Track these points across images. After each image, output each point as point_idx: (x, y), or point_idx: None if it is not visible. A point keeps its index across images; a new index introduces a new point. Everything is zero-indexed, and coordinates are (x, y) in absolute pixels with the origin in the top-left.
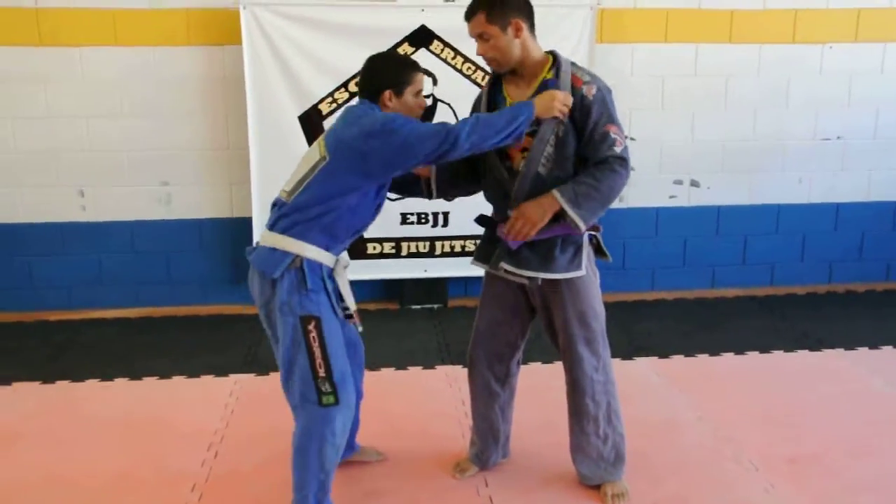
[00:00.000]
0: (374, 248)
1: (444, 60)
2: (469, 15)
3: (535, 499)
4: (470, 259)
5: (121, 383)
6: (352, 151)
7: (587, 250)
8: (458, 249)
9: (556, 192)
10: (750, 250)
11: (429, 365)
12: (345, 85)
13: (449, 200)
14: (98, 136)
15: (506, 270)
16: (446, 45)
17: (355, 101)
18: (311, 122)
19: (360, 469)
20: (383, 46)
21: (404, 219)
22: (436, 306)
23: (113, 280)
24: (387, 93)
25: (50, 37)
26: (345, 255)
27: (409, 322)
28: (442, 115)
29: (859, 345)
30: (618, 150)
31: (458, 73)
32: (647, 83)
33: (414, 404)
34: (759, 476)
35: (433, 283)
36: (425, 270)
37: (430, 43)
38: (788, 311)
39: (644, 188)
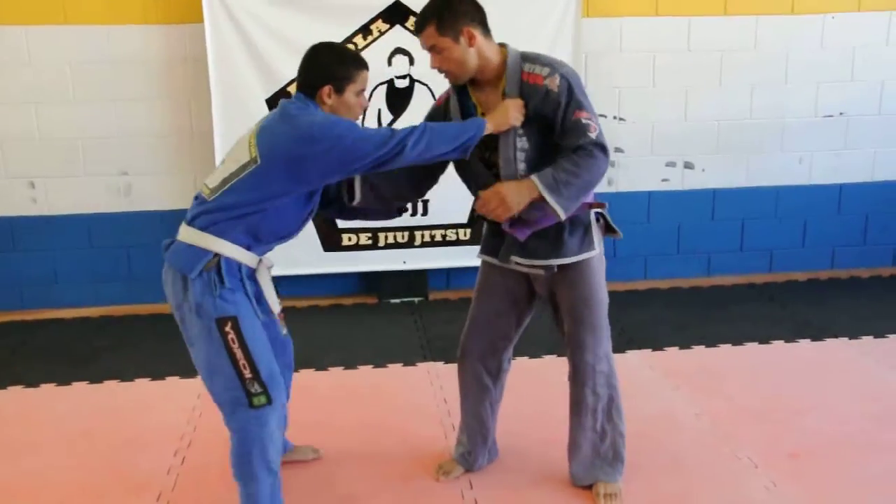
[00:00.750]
0: (350, 239)
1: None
2: (419, 28)
3: (523, 500)
4: (449, 248)
5: (79, 387)
6: (286, 157)
7: (596, 230)
8: (438, 239)
9: (534, 178)
10: (748, 235)
11: (409, 361)
12: None
13: (370, 208)
14: (48, 122)
15: (517, 263)
16: None
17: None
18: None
19: (335, 471)
20: (356, 23)
21: None
22: (416, 300)
23: (69, 278)
24: (326, 88)
25: None
26: (268, 256)
27: (387, 317)
28: (420, 97)
29: (864, 333)
30: (592, 135)
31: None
32: (637, 59)
33: (393, 403)
34: (760, 473)
35: (413, 276)
36: (404, 262)
37: (406, 19)
38: (789, 299)
39: (635, 171)
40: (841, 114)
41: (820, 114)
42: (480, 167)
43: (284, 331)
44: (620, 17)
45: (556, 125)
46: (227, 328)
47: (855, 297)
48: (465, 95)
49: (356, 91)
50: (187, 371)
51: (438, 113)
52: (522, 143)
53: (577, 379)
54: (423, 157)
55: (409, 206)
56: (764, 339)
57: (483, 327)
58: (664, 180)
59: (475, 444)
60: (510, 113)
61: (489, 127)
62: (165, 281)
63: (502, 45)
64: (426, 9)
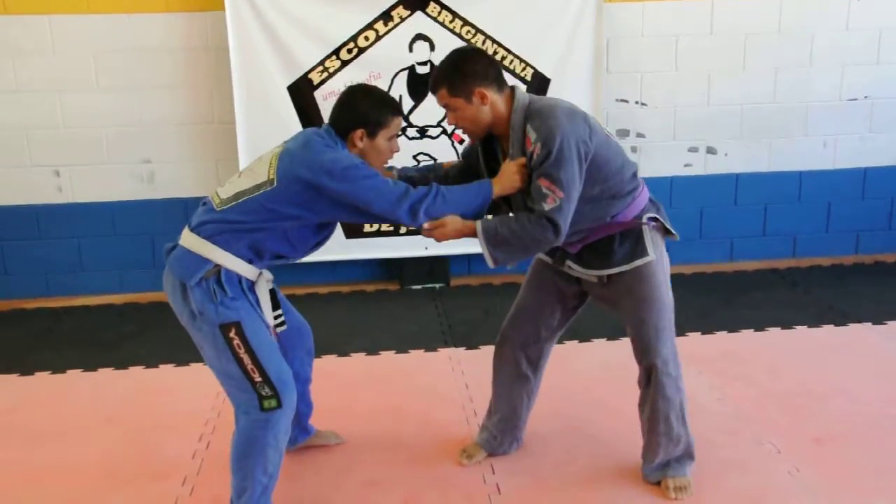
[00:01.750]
0: (372, 225)
1: (442, 24)
2: (432, 89)
3: (545, 487)
4: None
5: (105, 373)
6: (304, 185)
7: (650, 236)
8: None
9: (478, 225)
10: (771, 220)
11: (431, 347)
12: (336, 53)
13: None
14: (72, 111)
15: (570, 268)
16: (444, 7)
17: (322, 127)
18: (300, 92)
19: (358, 457)
20: (377, 10)
21: None
22: (438, 286)
23: (94, 265)
24: (359, 132)
25: (15, 4)
26: (267, 272)
27: (409, 303)
28: None
29: (888, 318)
30: (546, 206)
31: (457, 38)
32: (660, 43)
33: (415, 389)
34: (783, 458)
35: (435, 262)
36: (426, 248)
37: (427, 5)
38: (812, 284)
39: (657, 156)
40: (866, 97)
41: (844, 97)
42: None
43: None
44: (643, 2)
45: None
46: (232, 334)
47: (879, 282)
48: (491, 143)
49: (388, 136)
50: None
51: (474, 151)
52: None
53: (648, 383)
54: (441, 213)
55: None
56: (787, 325)
57: (528, 317)
58: (686, 165)
59: (503, 430)
60: (515, 179)
61: (496, 192)
62: (165, 285)
63: (513, 93)
64: (438, 72)
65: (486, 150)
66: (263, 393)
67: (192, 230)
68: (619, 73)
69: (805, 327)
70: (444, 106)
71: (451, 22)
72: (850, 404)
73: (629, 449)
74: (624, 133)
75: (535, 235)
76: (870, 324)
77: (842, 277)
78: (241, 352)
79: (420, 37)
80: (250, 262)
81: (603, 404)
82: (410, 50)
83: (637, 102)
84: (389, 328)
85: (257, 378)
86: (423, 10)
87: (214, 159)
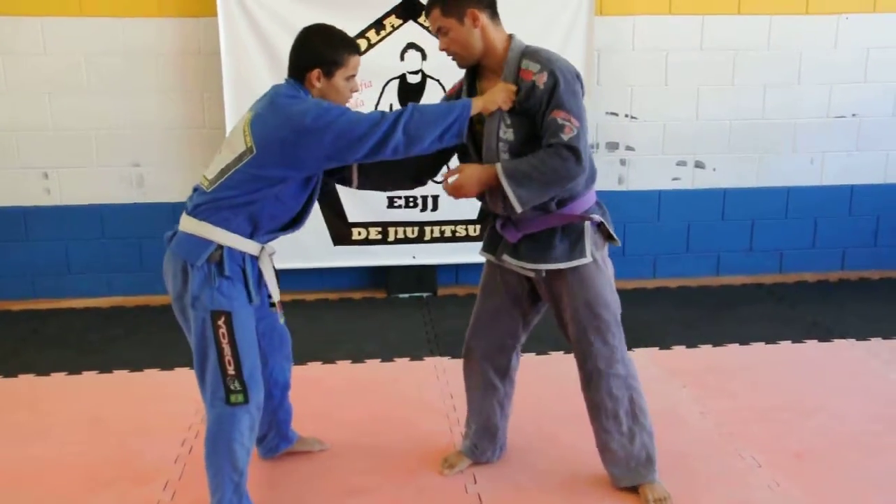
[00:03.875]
0: (360, 233)
1: (433, 33)
2: (427, 10)
3: (526, 497)
4: (458, 244)
5: (89, 377)
6: (281, 145)
7: (592, 237)
8: (447, 235)
9: (498, 165)
10: (758, 235)
11: (416, 356)
12: None
13: (371, 189)
14: (62, 113)
15: (509, 263)
16: None
17: (284, 80)
18: None
19: (340, 464)
20: (369, 18)
21: (391, 202)
22: (424, 295)
23: (81, 268)
24: (315, 72)
25: (8, 5)
26: (272, 244)
27: (396, 311)
28: (432, 92)
29: (873, 335)
30: (564, 137)
31: None
32: (650, 58)
33: (400, 397)
34: (764, 472)
35: (422, 271)
36: (413, 257)
37: (418, 15)
38: (798, 299)
39: (646, 170)
40: (853, 115)
41: (832, 114)
42: (473, 155)
43: (282, 320)
44: (633, 16)
45: (538, 122)
46: (220, 322)
47: (865, 298)
48: (472, 87)
49: (346, 76)
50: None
51: (456, 97)
52: (508, 134)
53: (591, 385)
54: (415, 141)
55: (420, 198)
56: (771, 340)
57: (486, 325)
58: (675, 179)
59: (482, 439)
60: (499, 95)
61: (476, 107)
62: (166, 271)
63: (510, 36)
64: None
65: (471, 91)
66: (232, 387)
67: (188, 214)
68: (609, 86)
69: (789, 342)
70: (437, 30)
71: None
72: (831, 420)
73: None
74: (613, 146)
75: (555, 167)
76: (854, 340)
77: (827, 293)
78: (224, 342)
79: (412, 46)
80: (251, 235)
81: (584, 416)
82: (402, 59)
83: (627, 116)
84: (375, 336)
85: (231, 371)
86: (415, 20)
87: (204, 164)
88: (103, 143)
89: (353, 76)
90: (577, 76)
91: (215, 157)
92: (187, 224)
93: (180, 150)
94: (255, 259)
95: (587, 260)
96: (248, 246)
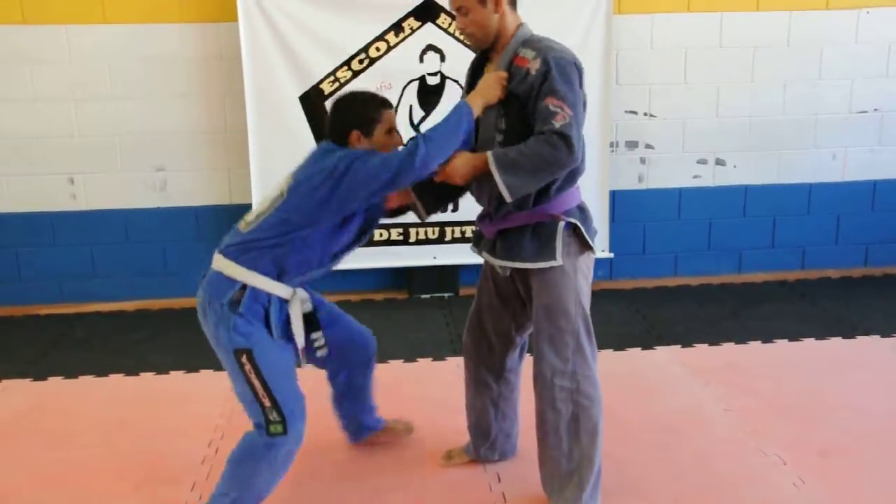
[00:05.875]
0: (381, 234)
1: (452, 35)
2: None
3: None
4: None
5: (116, 379)
6: (309, 187)
7: (564, 240)
8: (469, 235)
9: (489, 153)
10: (779, 232)
11: (439, 356)
12: (347, 63)
13: (443, 212)
14: (88, 119)
15: (485, 257)
16: (454, 18)
17: (322, 143)
18: (312, 102)
19: (366, 464)
20: (388, 21)
21: None
22: (446, 295)
23: (106, 272)
24: (354, 133)
25: (33, 14)
26: (302, 291)
27: (418, 312)
28: (451, 93)
29: None
30: (556, 124)
31: (466, 49)
32: (669, 56)
33: (423, 398)
34: (788, 470)
35: (443, 271)
36: (435, 258)
37: (437, 17)
38: (820, 296)
39: (666, 168)
40: (875, 110)
41: (854, 109)
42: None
43: (302, 364)
44: (652, 14)
45: (530, 108)
46: (244, 359)
47: (888, 295)
48: (479, 70)
49: (385, 130)
50: (221, 365)
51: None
52: (501, 123)
53: (536, 390)
54: (435, 159)
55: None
56: (795, 337)
57: (476, 323)
58: (695, 177)
59: (475, 437)
60: (493, 90)
61: (477, 107)
62: (197, 308)
63: (520, 25)
64: None
65: (475, 76)
66: (271, 418)
67: (220, 253)
68: (628, 85)
69: (813, 339)
70: (458, 9)
71: (461, 33)
72: (856, 417)
73: (632, 458)
74: (633, 145)
75: (544, 154)
76: (878, 336)
77: (850, 290)
78: (252, 377)
79: (430, 48)
80: (278, 278)
81: (608, 414)
82: (421, 61)
83: (646, 114)
84: (398, 337)
85: (266, 403)
86: (434, 22)
87: (227, 168)
88: (127, 149)
89: (393, 129)
90: (576, 65)
91: (257, 206)
92: (217, 263)
93: (203, 154)
94: (283, 302)
95: (555, 263)
96: (277, 288)
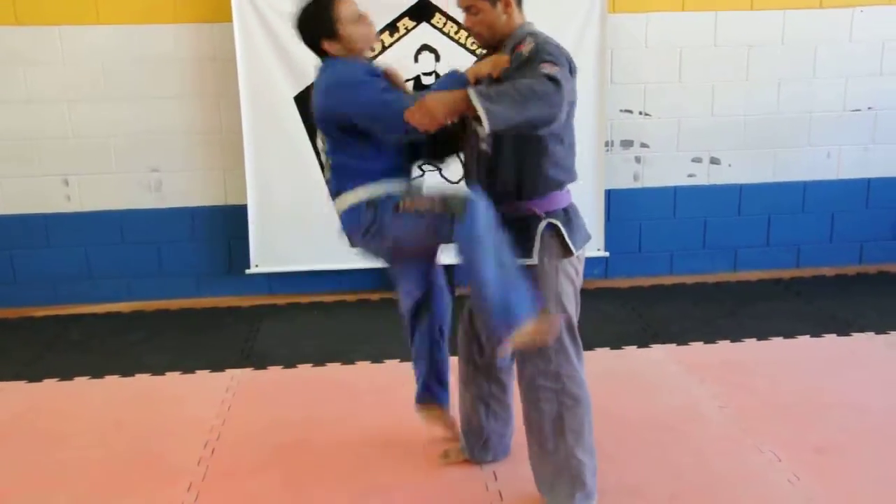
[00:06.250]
0: None
1: (447, 34)
2: None
3: None
4: None
5: (111, 381)
6: (325, 117)
7: (545, 240)
8: None
9: (469, 88)
10: (774, 230)
11: None
12: None
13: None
14: (81, 120)
15: None
16: (449, 18)
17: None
18: (307, 102)
19: (362, 463)
20: (382, 21)
21: None
22: None
23: (101, 273)
24: (324, 42)
25: (27, 15)
26: (420, 179)
27: None
28: None
29: (892, 328)
30: (547, 70)
31: (461, 48)
32: (664, 55)
33: None
34: (783, 467)
35: None
36: None
37: (432, 16)
38: (816, 294)
39: (661, 167)
40: (869, 108)
41: (848, 108)
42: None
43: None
44: (647, 13)
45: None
46: (400, 206)
47: (883, 292)
48: None
49: (351, 23)
50: (217, 365)
51: None
52: None
53: (521, 390)
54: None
55: None
56: (790, 334)
57: (468, 322)
58: (690, 175)
59: (465, 436)
60: (487, 64)
61: (470, 77)
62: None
63: (524, 23)
64: None
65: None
66: (452, 212)
67: (334, 200)
68: (623, 84)
69: (808, 337)
70: (467, 9)
71: (455, 33)
72: (851, 413)
73: (629, 456)
74: (628, 143)
75: (534, 86)
76: (873, 333)
77: (845, 287)
78: (415, 207)
79: (425, 48)
80: (378, 179)
81: (602, 412)
82: (416, 60)
83: (641, 113)
84: (394, 336)
85: (440, 207)
86: (429, 21)
87: (222, 168)
88: (122, 150)
89: (359, 16)
90: (568, 58)
91: None
92: (337, 206)
93: (198, 155)
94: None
95: (530, 261)
96: (386, 187)
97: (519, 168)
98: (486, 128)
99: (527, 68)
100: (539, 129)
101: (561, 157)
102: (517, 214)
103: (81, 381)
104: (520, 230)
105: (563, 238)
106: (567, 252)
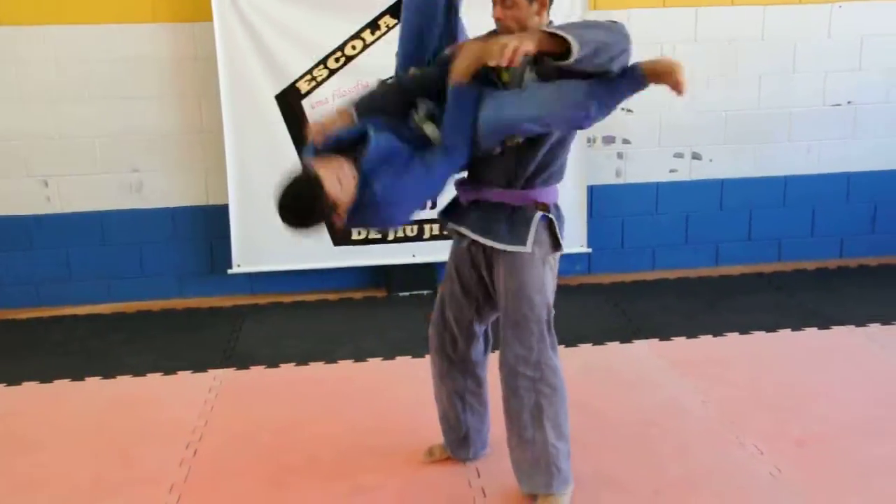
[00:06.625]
0: (359, 233)
1: None
2: None
3: None
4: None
5: (93, 383)
6: None
7: (539, 231)
8: (447, 232)
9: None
10: (756, 225)
11: (418, 354)
12: (323, 61)
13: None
14: (61, 121)
15: (450, 226)
16: None
17: None
18: (288, 101)
19: (345, 463)
20: (363, 19)
21: None
22: (425, 293)
23: (83, 275)
24: None
25: (6, 14)
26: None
27: (397, 310)
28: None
29: (872, 321)
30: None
31: None
32: (645, 51)
33: (403, 396)
34: (765, 460)
35: (422, 269)
36: (413, 255)
37: None
38: (797, 288)
39: (643, 162)
40: (849, 103)
41: (828, 103)
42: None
43: None
44: (628, 9)
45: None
46: None
47: (863, 285)
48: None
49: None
50: (199, 366)
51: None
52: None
53: (501, 376)
54: None
55: None
56: (771, 328)
57: (440, 316)
58: (672, 171)
59: (446, 432)
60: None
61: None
62: None
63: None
64: None
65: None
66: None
67: None
68: None
69: (789, 330)
70: (502, 1)
71: None
72: (832, 406)
73: (612, 451)
74: (610, 140)
75: (602, 23)
76: (853, 326)
77: (826, 281)
78: None
79: None
80: None
81: (585, 407)
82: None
83: (623, 109)
84: (377, 335)
85: None
86: None
87: (203, 169)
88: (102, 150)
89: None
90: None
91: None
92: None
93: (179, 155)
94: None
95: (524, 249)
96: None
97: (520, 157)
98: (575, 53)
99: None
100: (614, 66)
101: (560, 153)
102: (515, 202)
103: (62, 384)
104: (514, 219)
105: (555, 232)
106: (556, 247)
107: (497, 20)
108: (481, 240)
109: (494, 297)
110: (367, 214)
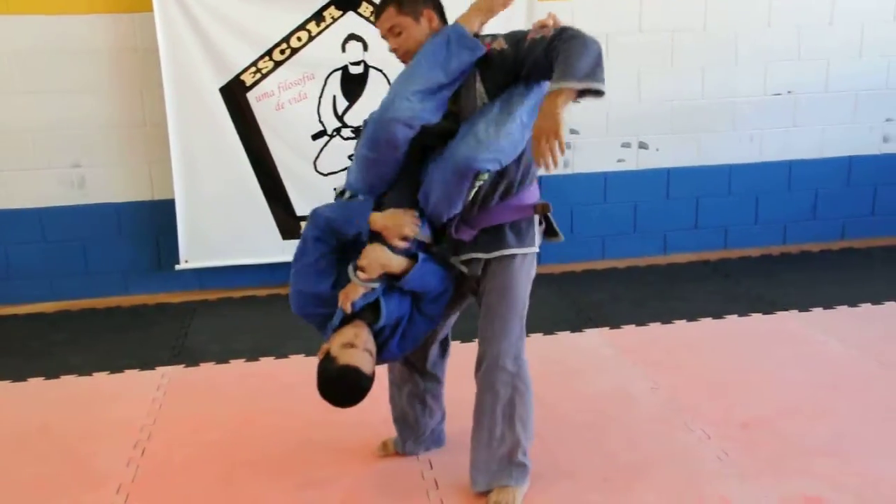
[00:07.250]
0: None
1: (374, 24)
2: (379, 10)
3: None
4: None
5: (35, 383)
6: None
7: (537, 228)
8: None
9: (556, 82)
10: (702, 213)
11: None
12: (268, 53)
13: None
14: None
15: (458, 261)
16: (376, 7)
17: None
18: (233, 94)
19: (295, 457)
20: (308, 10)
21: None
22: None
23: (23, 273)
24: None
25: None
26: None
27: None
28: (375, 83)
29: (814, 306)
30: (544, 33)
31: None
32: None
33: None
34: (712, 444)
35: None
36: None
37: (359, 5)
38: (742, 274)
39: (591, 152)
40: (789, 92)
41: (769, 92)
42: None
43: None
44: (572, 0)
45: (519, 65)
46: None
47: (805, 270)
48: None
49: None
50: (146, 363)
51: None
52: (483, 88)
53: (479, 371)
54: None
55: None
56: (718, 315)
57: None
58: (620, 161)
59: (401, 429)
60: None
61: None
62: None
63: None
64: None
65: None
66: None
67: None
68: None
69: (736, 316)
70: (389, 30)
71: None
72: (777, 389)
73: (562, 440)
74: None
75: (578, 35)
76: (796, 311)
77: (770, 267)
78: None
79: (353, 37)
80: None
81: (538, 398)
82: (343, 50)
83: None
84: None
85: None
86: (355, 10)
87: (147, 162)
88: (41, 145)
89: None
90: None
91: None
92: None
93: (121, 149)
94: None
95: (535, 249)
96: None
97: (518, 158)
98: (602, 89)
99: (520, 49)
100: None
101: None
102: (512, 217)
103: (3, 385)
104: (516, 225)
105: (550, 223)
106: (553, 235)
107: (394, 51)
108: (498, 254)
109: (475, 298)
110: (381, 360)
